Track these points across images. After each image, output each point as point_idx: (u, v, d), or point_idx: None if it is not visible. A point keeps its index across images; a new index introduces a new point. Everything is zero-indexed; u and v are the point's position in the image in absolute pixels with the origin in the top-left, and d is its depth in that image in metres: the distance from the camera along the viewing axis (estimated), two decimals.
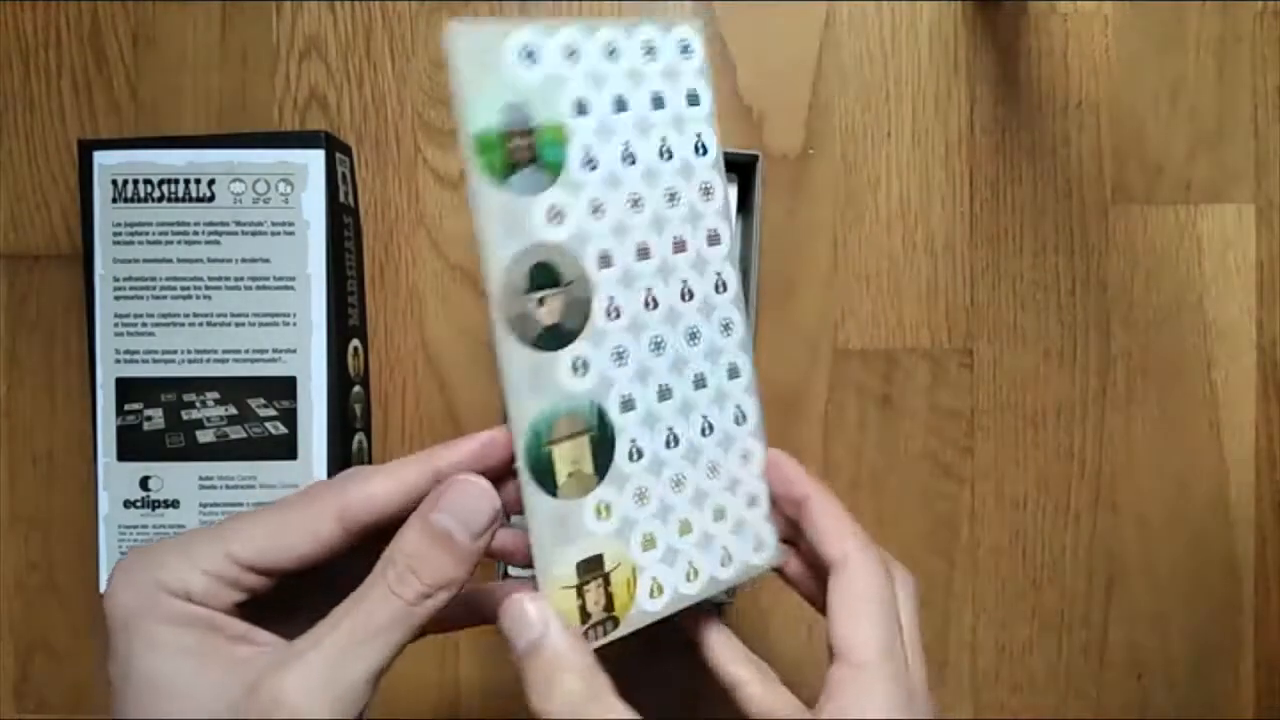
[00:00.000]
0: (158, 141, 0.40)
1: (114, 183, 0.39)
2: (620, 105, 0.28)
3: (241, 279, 0.39)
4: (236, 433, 0.39)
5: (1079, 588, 0.43)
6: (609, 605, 0.29)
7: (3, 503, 0.43)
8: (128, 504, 0.40)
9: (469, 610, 0.29)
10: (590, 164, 0.28)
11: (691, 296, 0.29)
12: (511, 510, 0.28)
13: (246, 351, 0.39)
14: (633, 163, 0.28)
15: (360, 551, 0.26)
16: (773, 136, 0.42)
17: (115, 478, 0.40)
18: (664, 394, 0.29)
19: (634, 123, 0.28)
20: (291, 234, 0.39)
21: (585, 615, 0.28)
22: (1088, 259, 0.42)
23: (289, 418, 0.39)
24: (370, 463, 0.42)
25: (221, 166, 0.39)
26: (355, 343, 0.41)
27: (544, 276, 0.27)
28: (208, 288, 0.39)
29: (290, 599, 0.27)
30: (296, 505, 0.26)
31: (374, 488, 0.26)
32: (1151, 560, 0.43)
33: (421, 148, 0.42)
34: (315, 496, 0.26)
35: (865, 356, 0.42)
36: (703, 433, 0.30)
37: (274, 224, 0.39)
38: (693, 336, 0.30)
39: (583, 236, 0.28)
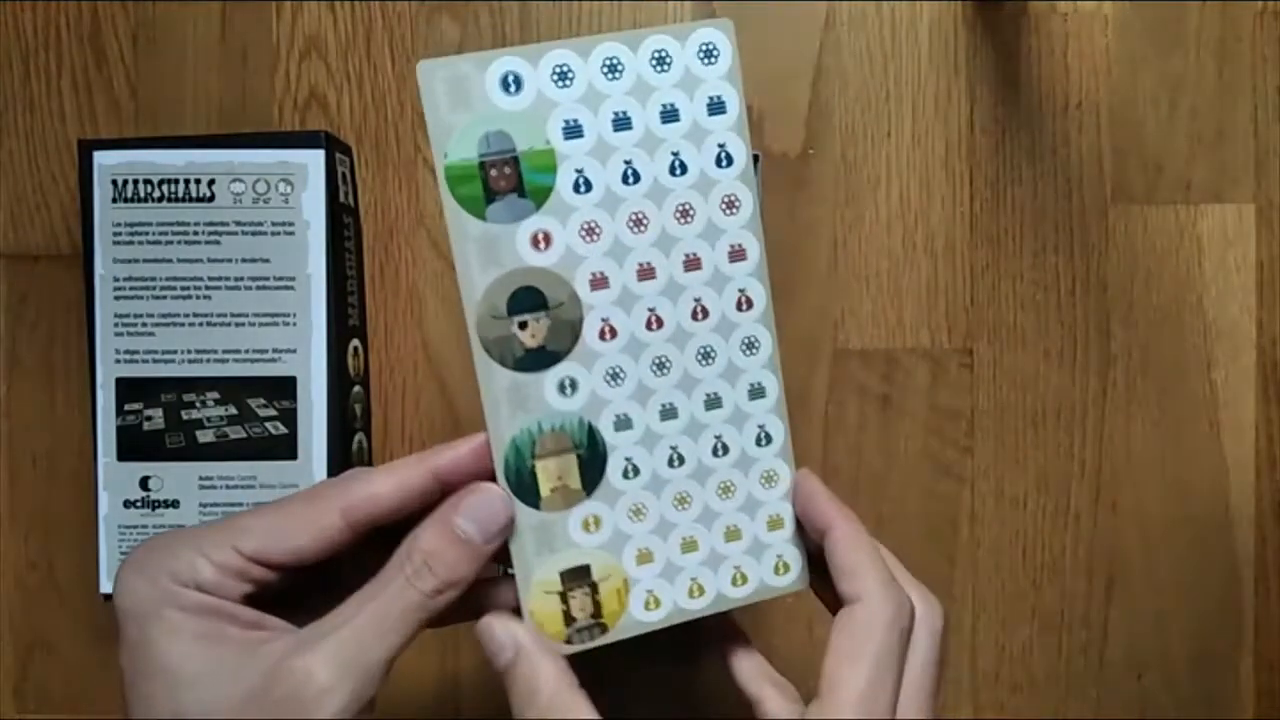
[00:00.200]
0: (158, 141, 0.40)
1: (114, 183, 0.39)
2: (621, 123, 0.28)
3: (241, 279, 0.39)
4: (236, 433, 0.39)
5: (1079, 588, 0.43)
6: (596, 613, 0.29)
7: (3, 503, 0.43)
8: (128, 504, 0.40)
9: (464, 605, 0.30)
10: (583, 186, 0.28)
11: (705, 315, 0.29)
12: None
13: (246, 351, 0.39)
14: (635, 181, 0.28)
15: (360, 548, 0.27)
16: (773, 136, 0.42)
17: (115, 478, 0.40)
18: (668, 414, 0.29)
19: (637, 140, 0.28)
20: (291, 234, 0.39)
21: (570, 619, 0.29)
22: (1088, 259, 0.42)
23: (289, 418, 0.39)
24: (370, 463, 0.43)
25: (221, 166, 0.39)
26: (355, 343, 0.41)
27: (527, 301, 0.28)
28: (208, 288, 0.39)
29: (292, 594, 0.28)
30: (302, 502, 0.27)
31: (376, 486, 0.27)
32: (1151, 560, 0.43)
33: (421, 148, 0.42)
34: (320, 494, 0.27)
35: (865, 356, 0.43)
36: (714, 453, 0.30)
37: (274, 224, 0.39)
38: (705, 356, 0.29)
39: (573, 260, 0.28)
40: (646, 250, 0.28)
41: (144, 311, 0.39)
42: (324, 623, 0.26)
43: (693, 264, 0.29)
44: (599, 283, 0.28)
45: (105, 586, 0.40)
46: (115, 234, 0.39)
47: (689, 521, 0.30)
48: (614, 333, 0.28)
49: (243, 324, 0.39)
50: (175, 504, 0.40)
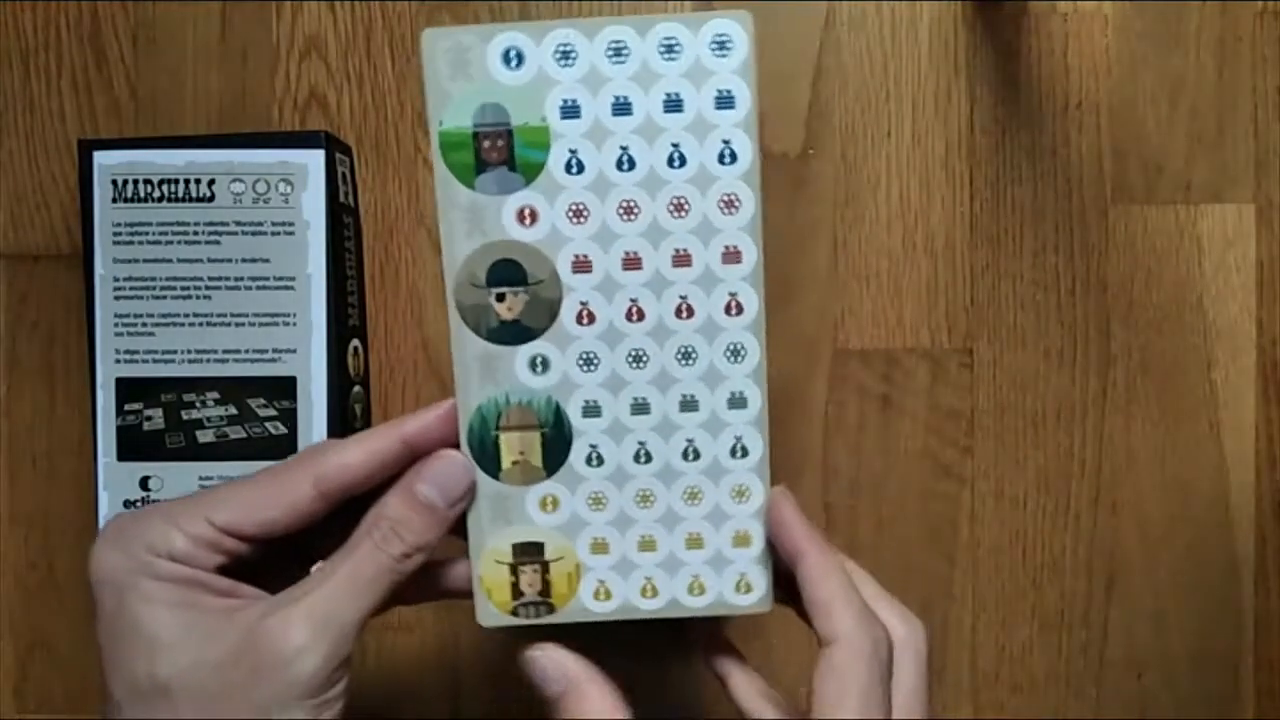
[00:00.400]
0: (158, 141, 0.40)
1: (114, 183, 0.39)
2: (621, 108, 0.27)
3: (241, 279, 0.39)
4: (236, 433, 0.39)
5: (1079, 588, 0.43)
6: (545, 591, 0.29)
7: (3, 503, 0.43)
8: (128, 504, 0.40)
9: (433, 584, 0.30)
10: (575, 167, 0.28)
11: (690, 314, 0.28)
12: None
13: (246, 351, 0.39)
14: (629, 168, 0.28)
15: (331, 521, 0.28)
16: (773, 136, 0.42)
17: (115, 478, 0.40)
18: (639, 408, 0.29)
19: (636, 127, 0.28)
20: (291, 234, 0.39)
21: (517, 592, 0.29)
22: (1088, 259, 0.42)
23: (289, 418, 0.39)
24: None
25: (221, 166, 0.39)
26: (355, 343, 0.41)
27: (507, 274, 0.28)
28: (208, 288, 0.39)
29: (266, 565, 0.28)
30: (274, 474, 0.28)
31: (347, 456, 0.28)
32: (1151, 560, 0.43)
33: (421, 148, 0.42)
34: (291, 465, 0.28)
35: (865, 356, 0.43)
36: (685, 456, 0.29)
37: (274, 224, 0.39)
38: (686, 356, 0.29)
39: (557, 239, 0.28)
40: (634, 239, 0.28)
41: (144, 311, 0.39)
42: (297, 588, 0.27)
43: (682, 260, 0.28)
44: (581, 265, 0.28)
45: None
46: (115, 234, 0.39)
47: (649, 520, 0.29)
48: (592, 318, 0.28)
49: (243, 324, 0.39)
50: None
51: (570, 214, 0.28)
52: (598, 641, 0.30)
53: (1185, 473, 0.43)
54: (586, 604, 0.30)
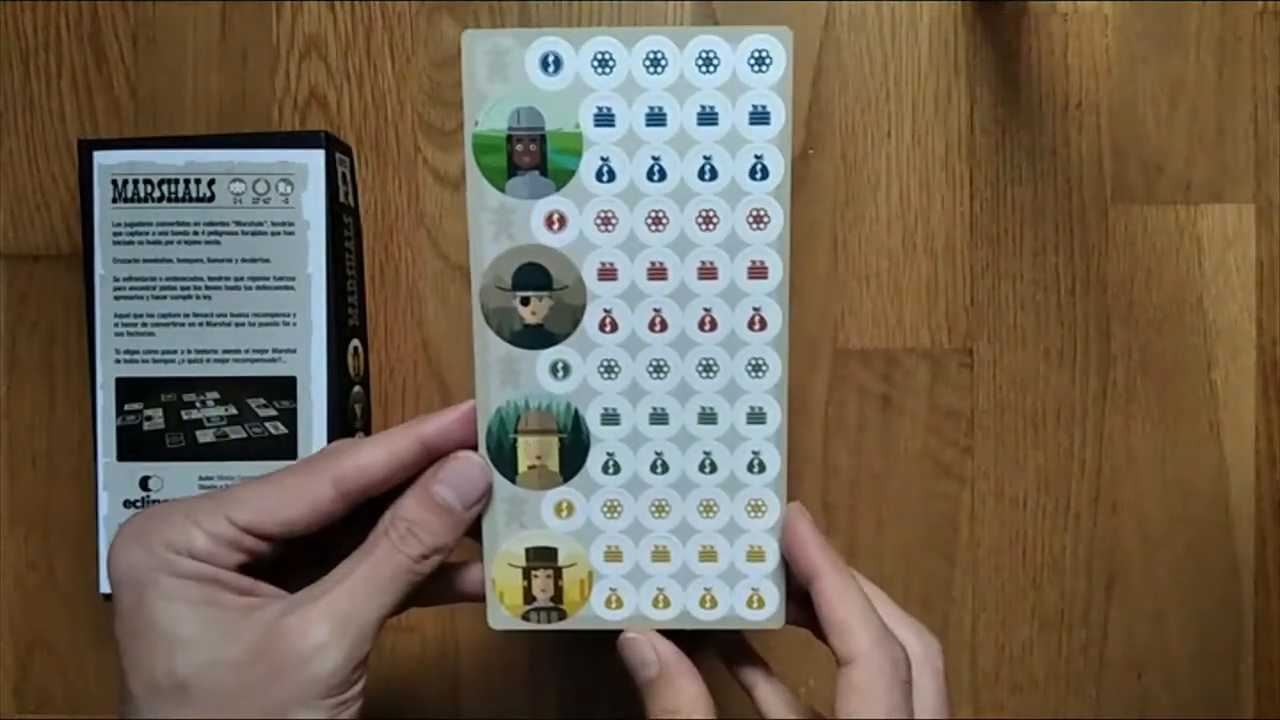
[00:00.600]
0: (158, 141, 0.40)
1: (114, 183, 0.39)
2: (655, 118, 0.27)
3: (241, 279, 0.39)
4: (236, 433, 0.39)
5: (1079, 588, 0.43)
6: (557, 597, 0.30)
7: (3, 503, 0.43)
8: (128, 504, 0.40)
9: (448, 587, 0.30)
10: (606, 175, 0.28)
11: (713, 327, 0.28)
12: None
13: (246, 351, 0.39)
14: (660, 179, 0.28)
15: (349, 521, 0.28)
16: None
17: (115, 478, 0.40)
18: (658, 418, 0.29)
19: (669, 138, 0.27)
20: (291, 234, 0.39)
21: (529, 597, 0.29)
22: (1088, 259, 0.42)
23: (289, 418, 0.39)
24: None
25: (221, 166, 0.39)
26: (355, 343, 0.41)
27: (532, 278, 0.28)
28: (208, 288, 0.39)
29: (285, 564, 0.28)
30: (294, 473, 0.28)
31: (365, 457, 0.28)
32: (1151, 560, 0.43)
33: (421, 148, 0.42)
34: (311, 465, 0.28)
35: (865, 356, 0.43)
36: (701, 469, 0.29)
37: (274, 224, 0.39)
38: (707, 369, 0.29)
39: (584, 246, 0.28)
40: (661, 250, 0.28)
41: (144, 311, 0.39)
42: (316, 587, 0.27)
43: (708, 272, 0.28)
44: (607, 273, 0.28)
45: (105, 586, 0.40)
46: (115, 234, 0.39)
47: (664, 531, 0.29)
48: (615, 326, 0.28)
49: (243, 324, 0.39)
50: None
51: (599, 221, 0.28)
52: (614, 643, 0.30)
53: (1185, 473, 0.43)
54: (598, 611, 0.30)
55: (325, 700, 0.26)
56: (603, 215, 0.28)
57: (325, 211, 0.39)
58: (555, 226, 0.28)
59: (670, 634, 0.30)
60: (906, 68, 0.42)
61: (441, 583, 0.30)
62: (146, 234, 0.39)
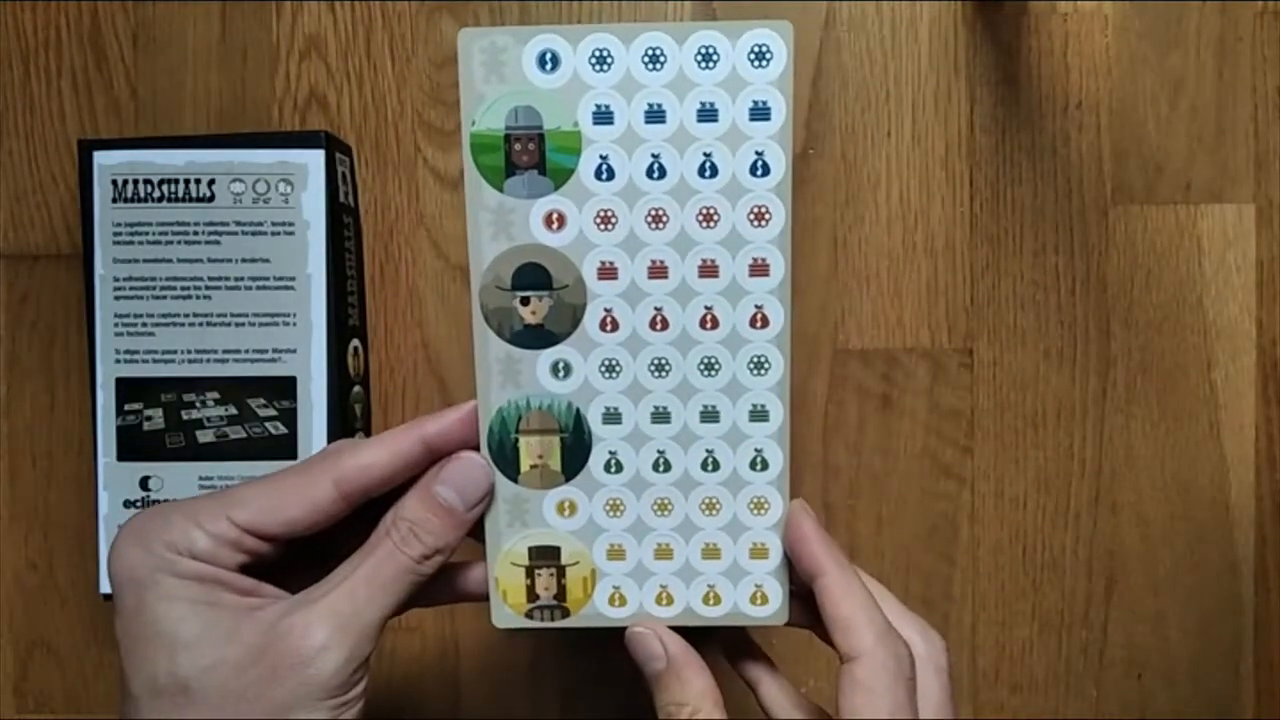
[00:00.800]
0: (158, 141, 0.40)
1: (114, 183, 0.39)
2: (654, 115, 0.27)
3: (241, 279, 0.39)
4: (236, 433, 0.39)
5: (1079, 588, 0.43)
6: (560, 595, 0.30)
7: (3, 503, 0.43)
8: (128, 504, 0.40)
9: (450, 587, 0.30)
10: (605, 173, 0.27)
11: (715, 325, 0.28)
12: None
13: (246, 351, 0.39)
14: (660, 176, 0.27)
15: (350, 522, 0.28)
16: None
17: (115, 478, 0.40)
18: (660, 417, 0.29)
19: (668, 135, 0.27)
20: (291, 234, 0.39)
21: (533, 595, 0.29)
22: (1088, 259, 0.42)
23: (289, 418, 0.39)
24: None
25: (221, 166, 0.39)
26: (355, 343, 0.41)
27: (532, 278, 0.28)
28: (208, 288, 0.39)
29: (286, 565, 0.28)
30: (295, 474, 0.28)
31: (367, 457, 0.28)
32: (1151, 560, 0.43)
33: (421, 148, 0.42)
34: (312, 465, 0.28)
35: (865, 356, 0.43)
36: (704, 467, 0.29)
37: (274, 224, 0.39)
38: (709, 367, 0.28)
39: (584, 245, 0.28)
40: (661, 248, 0.28)
41: (144, 311, 0.39)
42: (317, 587, 0.27)
43: (709, 270, 0.28)
44: (607, 272, 0.28)
45: (105, 586, 0.40)
46: (115, 234, 0.39)
47: (667, 529, 0.29)
48: (615, 325, 0.28)
49: (243, 324, 0.39)
50: None
51: (598, 220, 0.28)
52: (616, 641, 0.30)
53: (1185, 473, 0.43)
54: (601, 609, 0.30)
55: (326, 701, 0.26)
56: (602, 214, 0.28)
57: (325, 211, 0.39)
58: (555, 226, 0.28)
59: (675, 631, 0.30)
60: (906, 68, 0.42)
61: (443, 583, 0.30)
62: (146, 234, 0.39)
